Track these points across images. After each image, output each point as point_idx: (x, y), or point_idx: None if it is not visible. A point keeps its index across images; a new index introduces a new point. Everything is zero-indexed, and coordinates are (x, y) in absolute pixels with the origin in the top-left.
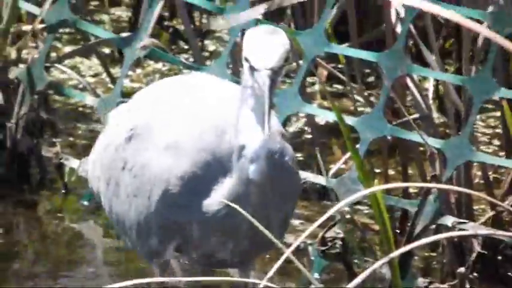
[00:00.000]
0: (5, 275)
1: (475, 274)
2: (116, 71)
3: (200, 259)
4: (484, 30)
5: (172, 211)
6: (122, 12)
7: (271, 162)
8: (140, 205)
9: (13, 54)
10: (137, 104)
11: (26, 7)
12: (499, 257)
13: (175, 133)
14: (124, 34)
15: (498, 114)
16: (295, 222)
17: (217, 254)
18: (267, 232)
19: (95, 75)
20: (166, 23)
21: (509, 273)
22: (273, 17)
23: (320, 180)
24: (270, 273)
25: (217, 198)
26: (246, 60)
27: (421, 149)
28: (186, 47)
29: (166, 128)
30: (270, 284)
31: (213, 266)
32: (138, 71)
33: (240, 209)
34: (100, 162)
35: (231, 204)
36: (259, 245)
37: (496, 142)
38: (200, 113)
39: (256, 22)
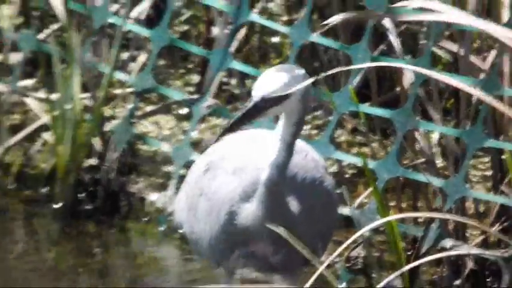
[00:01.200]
0: (103, 283)
1: (468, 284)
2: (186, 125)
3: (257, 264)
4: (477, 93)
5: (236, 225)
6: (192, 77)
7: (280, 172)
8: (212, 222)
9: (108, 112)
10: (212, 149)
11: (118, 76)
12: (487, 272)
13: (241, 160)
14: (193, 96)
15: (487, 159)
16: None
17: (266, 260)
18: (290, 235)
19: (170, 129)
20: (224, 87)
21: (495, 285)
22: None
23: (346, 211)
24: (308, 284)
25: (253, 203)
26: None
27: (428, 186)
28: (240, 106)
29: (234, 158)
30: None
31: (266, 271)
32: (203, 125)
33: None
34: (185, 197)
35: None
36: (294, 251)
37: (485, 182)
38: (256, 148)
39: None
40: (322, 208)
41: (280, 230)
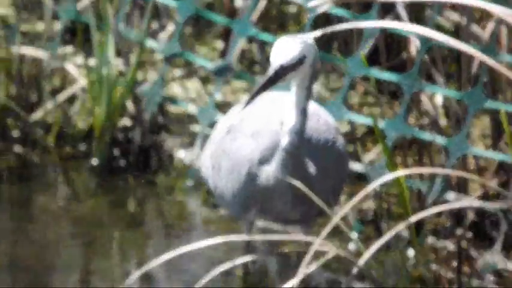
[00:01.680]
0: (135, 230)
1: (470, 234)
2: (210, 87)
3: (273, 218)
4: (479, 55)
5: (254, 183)
6: (217, 44)
7: (299, 137)
8: (234, 181)
9: (140, 77)
10: (234, 111)
11: (149, 43)
12: (487, 222)
13: (258, 124)
14: (217, 63)
15: (487, 118)
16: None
17: (284, 214)
18: (308, 193)
19: (196, 91)
20: (246, 53)
21: (494, 233)
22: (324, 47)
23: (358, 166)
24: (324, 233)
25: (272, 165)
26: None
27: (432, 144)
28: (259, 70)
29: (252, 122)
30: (323, 241)
31: (283, 223)
32: (226, 88)
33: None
34: (209, 155)
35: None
36: (310, 206)
37: (485, 139)
38: (273, 111)
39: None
40: (334, 167)
41: (299, 187)
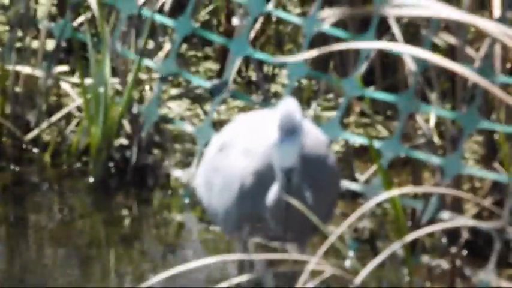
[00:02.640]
0: (131, 248)
1: (464, 252)
2: (206, 106)
3: (267, 237)
4: (475, 78)
5: (246, 201)
6: (212, 65)
7: (296, 159)
8: (225, 198)
9: (136, 96)
10: (226, 130)
11: (145, 62)
12: (481, 241)
13: (251, 142)
14: (214, 82)
15: (479, 138)
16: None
17: (278, 232)
18: (303, 211)
19: (192, 110)
20: (243, 74)
21: (488, 252)
22: (320, 66)
23: (353, 185)
24: (321, 252)
25: (274, 189)
26: None
27: (427, 164)
28: (256, 90)
29: (245, 139)
30: (319, 260)
31: (277, 241)
32: (223, 107)
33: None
34: (203, 173)
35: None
36: (305, 224)
37: (475, 156)
38: (266, 128)
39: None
40: (326, 184)
41: (294, 205)
